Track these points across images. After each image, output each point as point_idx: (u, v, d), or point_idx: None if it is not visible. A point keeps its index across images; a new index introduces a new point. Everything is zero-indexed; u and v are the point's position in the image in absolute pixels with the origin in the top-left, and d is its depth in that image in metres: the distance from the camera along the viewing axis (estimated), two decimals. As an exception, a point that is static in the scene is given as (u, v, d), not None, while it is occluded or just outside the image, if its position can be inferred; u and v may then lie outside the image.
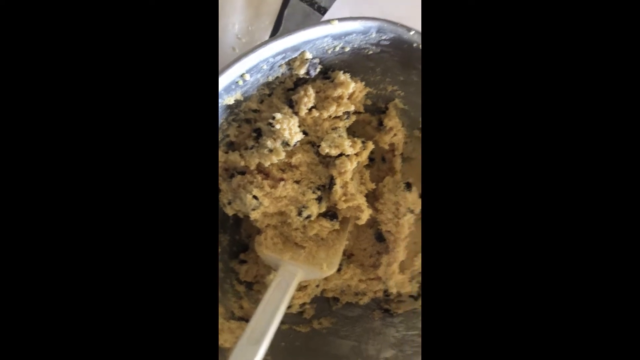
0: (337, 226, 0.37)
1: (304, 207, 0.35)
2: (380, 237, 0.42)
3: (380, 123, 0.40)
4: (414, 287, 0.42)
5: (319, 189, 0.36)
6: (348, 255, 0.43)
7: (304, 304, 0.41)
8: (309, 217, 0.35)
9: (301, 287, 0.39)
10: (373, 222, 0.42)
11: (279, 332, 0.41)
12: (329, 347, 0.42)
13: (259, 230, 0.37)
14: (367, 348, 0.42)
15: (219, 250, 0.40)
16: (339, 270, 0.40)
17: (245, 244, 0.42)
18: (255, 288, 0.40)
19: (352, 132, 0.42)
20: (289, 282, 0.33)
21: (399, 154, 0.42)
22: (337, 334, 0.43)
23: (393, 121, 0.40)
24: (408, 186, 0.40)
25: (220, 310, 0.36)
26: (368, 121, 0.41)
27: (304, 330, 0.42)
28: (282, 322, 0.42)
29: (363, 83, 0.36)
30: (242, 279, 0.40)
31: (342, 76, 0.34)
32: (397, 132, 0.40)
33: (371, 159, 0.43)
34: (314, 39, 0.30)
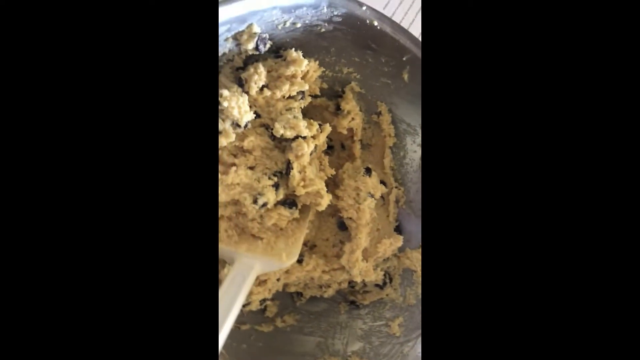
0: (296, 214, 0.35)
1: (259, 194, 0.33)
2: (342, 226, 0.41)
3: (338, 107, 0.39)
4: (378, 276, 0.41)
5: (275, 175, 0.34)
6: (310, 247, 0.41)
7: (264, 300, 0.38)
8: (265, 204, 0.33)
9: (260, 282, 0.37)
10: (334, 211, 0.40)
11: (239, 334, 0.38)
12: (293, 346, 0.40)
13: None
14: (333, 343, 0.41)
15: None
16: (300, 262, 0.38)
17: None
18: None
19: (309, 118, 0.40)
20: (246, 276, 0.31)
21: (358, 140, 0.41)
22: (302, 331, 0.41)
23: (350, 105, 0.38)
24: (368, 171, 0.39)
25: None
26: (325, 106, 0.40)
27: (266, 329, 0.40)
28: (243, 323, 0.39)
29: (317, 62, 0.35)
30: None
31: (295, 53, 0.32)
32: (354, 117, 0.39)
33: (330, 146, 0.42)
34: (261, 10, 0.29)
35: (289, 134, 0.32)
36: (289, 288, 0.41)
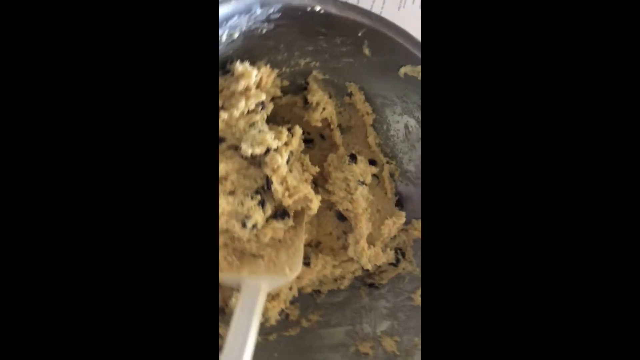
0: (291, 223, 0.35)
1: (246, 217, 0.32)
2: (341, 216, 0.40)
3: (306, 101, 0.37)
4: (389, 256, 0.40)
5: (257, 192, 0.33)
6: (315, 245, 0.41)
7: (282, 310, 0.39)
8: (255, 226, 0.33)
9: (273, 297, 0.37)
10: (331, 204, 0.40)
11: (268, 345, 0.39)
12: (324, 340, 0.41)
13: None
14: (362, 328, 0.41)
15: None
16: (308, 264, 0.38)
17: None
18: (227, 312, 0.38)
19: (280, 119, 0.39)
20: (255, 300, 0.31)
21: (336, 127, 0.39)
22: (329, 324, 0.42)
23: (317, 95, 0.36)
24: (353, 158, 0.38)
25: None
26: (293, 103, 0.38)
27: (293, 333, 0.40)
28: (268, 333, 0.40)
29: (268, 66, 0.33)
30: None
31: (241, 66, 0.30)
32: (325, 106, 0.37)
33: (309, 140, 0.40)
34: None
35: (258, 150, 0.31)
36: (305, 290, 0.41)
